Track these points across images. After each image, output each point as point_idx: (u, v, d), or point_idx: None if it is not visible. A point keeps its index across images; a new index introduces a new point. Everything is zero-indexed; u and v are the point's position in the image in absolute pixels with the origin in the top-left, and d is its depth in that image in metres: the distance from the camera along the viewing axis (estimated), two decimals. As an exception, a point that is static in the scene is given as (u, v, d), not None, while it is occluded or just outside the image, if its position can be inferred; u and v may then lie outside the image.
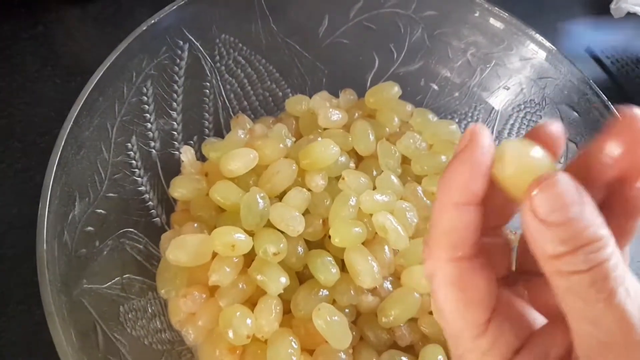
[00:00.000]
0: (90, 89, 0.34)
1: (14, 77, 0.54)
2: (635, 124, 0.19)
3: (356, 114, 0.49)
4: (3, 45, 0.56)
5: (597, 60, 0.69)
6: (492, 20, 0.44)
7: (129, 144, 0.38)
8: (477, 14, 0.44)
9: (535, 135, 0.21)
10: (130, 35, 0.36)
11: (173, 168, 0.43)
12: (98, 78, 0.34)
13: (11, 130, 0.50)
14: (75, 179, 0.33)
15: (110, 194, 0.36)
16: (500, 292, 0.21)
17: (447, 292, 0.20)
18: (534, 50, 0.44)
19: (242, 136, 0.45)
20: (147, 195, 0.41)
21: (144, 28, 0.36)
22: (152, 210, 0.41)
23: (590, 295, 0.17)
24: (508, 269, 0.24)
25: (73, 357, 0.27)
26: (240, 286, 0.39)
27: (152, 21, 0.37)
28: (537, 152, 0.19)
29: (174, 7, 0.38)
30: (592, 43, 0.70)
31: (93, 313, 0.31)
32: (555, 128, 0.21)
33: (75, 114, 0.33)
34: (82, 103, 0.33)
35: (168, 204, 0.43)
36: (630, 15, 0.72)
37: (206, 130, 0.46)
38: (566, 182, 0.18)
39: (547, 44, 0.43)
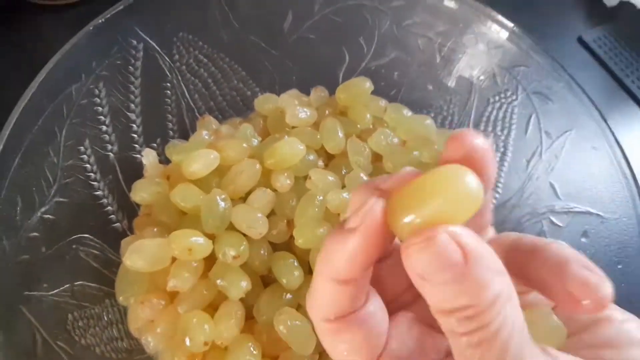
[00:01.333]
0: (32, 91, 0.33)
1: (-16, 82, 0.54)
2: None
3: (327, 112, 0.47)
4: (-26, 52, 0.56)
5: (589, 49, 0.67)
6: (454, 6, 0.42)
7: (82, 147, 0.37)
8: (443, 1, 0.43)
9: (456, 150, 0.18)
10: (76, 36, 0.35)
11: (135, 172, 0.42)
12: (41, 80, 0.33)
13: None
14: (17, 184, 0.32)
15: (61, 199, 0.35)
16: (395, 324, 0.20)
17: (327, 342, 0.19)
18: (504, 37, 0.42)
19: (207, 137, 0.44)
20: (105, 200, 0.39)
21: (90, 28, 0.36)
22: (112, 216, 0.40)
23: (467, 357, 0.16)
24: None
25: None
26: (201, 291, 0.38)
27: (100, 20, 0.36)
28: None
29: (121, 7, 0.37)
30: (584, 33, 0.68)
31: (33, 320, 0.30)
32: (476, 144, 0.18)
33: (16, 117, 0.32)
34: (23, 105, 0.32)
35: (131, 209, 0.42)
36: (623, 3, 0.69)
37: (170, 132, 0.45)
38: (445, 243, 0.16)
39: (516, 30, 0.41)
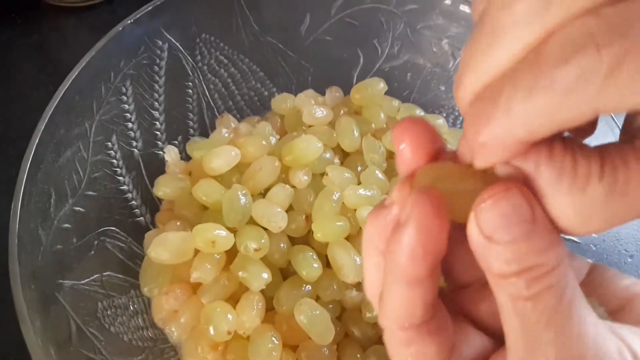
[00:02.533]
0: (65, 88, 0.34)
1: (11, 84, 0.55)
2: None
3: (342, 111, 0.49)
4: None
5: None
6: (470, 10, 0.44)
7: (109, 143, 0.39)
8: (459, 6, 0.44)
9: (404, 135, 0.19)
10: (106, 36, 0.37)
11: (158, 168, 0.44)
12: (74, 77, 0.35)
13: (7, 137, 0.51)
14: (52, 177, 0.33)
15: (90, 192, 0.37)
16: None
17: (397, 352, 0.19)
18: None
19: (226, 135, 0.46)
20: (130, 195, 0.41)
21: (120, 29, 0.37)
22: (136, 210, 0.41)
23: (531, 322, 0.16)
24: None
25: (42, 349, 0.27)
26: (223, 283, 0.39)
27: (129, 22, 0.37)
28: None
29: (149, 8, 0.39)
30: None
31: (67, 307, 0.31)
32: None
33: (50, 113, 0.33)
34: (57, 102, 0.33)
35: (153, 204, 0.43)
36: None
37: (191, 130, 0.46)
38: (516, 198, 0.16)
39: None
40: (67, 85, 0.34)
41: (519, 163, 0.16)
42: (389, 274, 0.18)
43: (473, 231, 0.16)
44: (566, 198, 0.15)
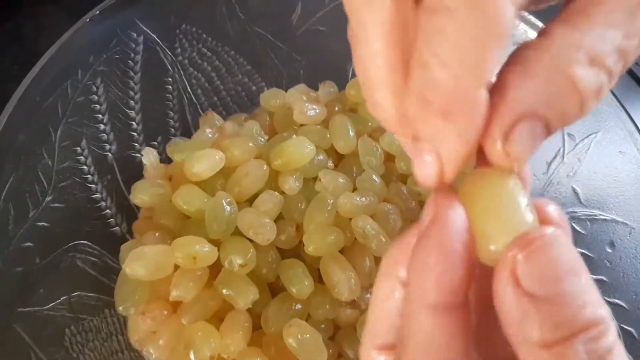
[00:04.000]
0: (24, 89, 0.30)
1: (-17, 74, 0.51)
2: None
3: (336, 108, 0.45)
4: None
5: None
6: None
7: (78, 148, 0.35)
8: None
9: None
10: (72, 29, 0.33)
11: (135, 172, 0.40)
12: (33, 76, 0.31)
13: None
14: (10, 190, 0.30)
15: (56, 204, 0.33)
16: None
17: None
18: (531, 36, 0.39)
19: (210, 135, 0.42)
20: (103, 203, 0.37)
21: (87, 20, 0.33)
22: (110, 219, 0.38)
23: None
24: None
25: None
26: (205, 301, 0.36)
27: (97, 12, 0.33)
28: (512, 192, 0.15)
29: (121, -5, 0.35)
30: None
31: (27, 340, 0.28)
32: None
33: (7, 117, 0.29)
34: (14, 104, 0.30)
35: (130, 212, 0.40)
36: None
37: (172, 129, 0.42)
38: (562, 242, 0.13)
39: (540, 23, 0.39)
40: (26, 85, 0.30)
41: None
42: (411, 303, 0.15)
43: (506, 287, 0.14)
44: None
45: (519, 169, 0.15)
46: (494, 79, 0.15)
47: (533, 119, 0.15)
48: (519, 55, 0.15)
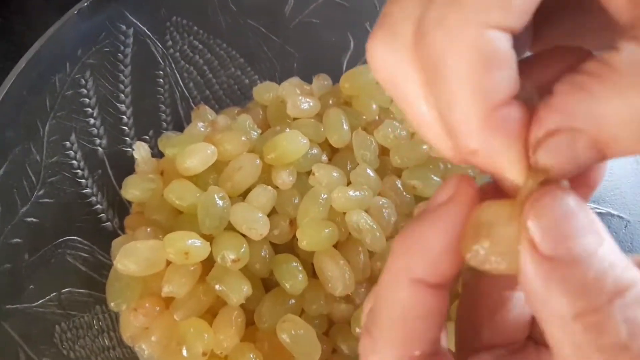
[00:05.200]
0: (10, 83, 0.30)
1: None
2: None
3: (330, 101, 0.45)
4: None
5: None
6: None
7: (67, 143, 0.34)
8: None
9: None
10: (59, 21, 0.32)
11: (126, 167, 0.40)
12: (20, 70, 0.30)
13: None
14: (-3, 186, 0.29)
15: (45, 200, 0.33)
16: None
17: None
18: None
19: (203, 129, 0.42)
20: (94, 198, 0.37)
21: (75, 12, 0.32)
22: (102, 215, 0.38)
23: None
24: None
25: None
26: (198, 297, 0.36)
27: (85, 4, 0.33)
28: None
29: (110, -13, 0.34)
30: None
31: (16, 338, 0.27)
32: None
33: (-7, 112, 0.29)
34: (0, 99, 0.29)
35: (122, 207, 0.40)
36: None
37: (164, 123, 0.42)
38: (571, 198, 0.13)
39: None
40: (13, 78, 0.30)
41: None
42: (392, 271, 0.15)
43: (526, 258, 0.13)
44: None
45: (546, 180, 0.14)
46: None
47: (574, 132, 0.13)
48: (584, 66, 0.14)
